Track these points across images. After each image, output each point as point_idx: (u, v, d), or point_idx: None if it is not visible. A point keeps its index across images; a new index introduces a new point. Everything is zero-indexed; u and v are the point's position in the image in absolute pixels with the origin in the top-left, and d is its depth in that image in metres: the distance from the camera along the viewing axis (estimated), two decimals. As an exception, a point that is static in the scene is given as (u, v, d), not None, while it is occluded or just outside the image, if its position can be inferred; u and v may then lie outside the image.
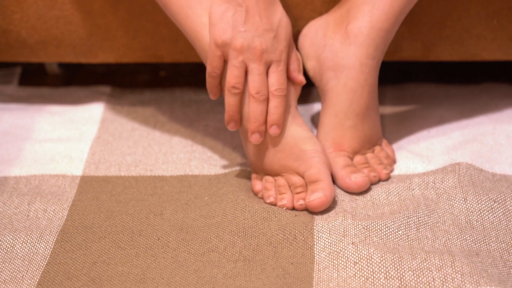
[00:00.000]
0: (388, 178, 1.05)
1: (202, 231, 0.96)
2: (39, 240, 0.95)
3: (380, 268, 0.88)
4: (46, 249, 0.94)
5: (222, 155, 1.11)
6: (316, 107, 1.22)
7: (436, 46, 1.14)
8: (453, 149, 1.09)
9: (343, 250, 0.90)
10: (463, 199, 0.98)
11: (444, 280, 0.86)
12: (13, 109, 1.23)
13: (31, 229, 0.97)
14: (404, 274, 0.87)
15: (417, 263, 0.88)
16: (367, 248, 0.90)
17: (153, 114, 1.22)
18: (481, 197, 0.98)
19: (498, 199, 0.98)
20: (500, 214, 0.97)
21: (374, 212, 0.98)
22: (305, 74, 1.08)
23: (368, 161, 1.05)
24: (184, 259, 0.92)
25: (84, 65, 1.37)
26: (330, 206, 0.99)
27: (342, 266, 0.89)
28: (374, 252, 0.89)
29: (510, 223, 0.96)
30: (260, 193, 1.02)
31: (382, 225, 0.94)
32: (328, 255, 0.91)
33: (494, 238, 0.93)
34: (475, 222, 0.96)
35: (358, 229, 0.93)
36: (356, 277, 0.88)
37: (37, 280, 0.90)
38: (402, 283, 0.86)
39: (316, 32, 1.06)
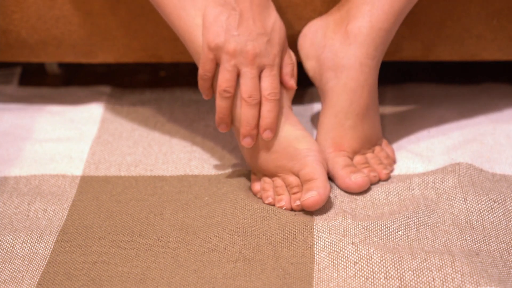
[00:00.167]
0: (388, 178, 1.05)
1: (202, 231, 0.96)
2: (39, 240, 0.95)
3: (380, 268, 0.88)
4: (46, 249, 0.94)
5: (222, 155, 1.11)
6: (316, 107, 1.22)
7: (436, 46, 1.14)
8: (453, 149, 1.09)
9: (343, 250, 0.90)
10: (463, 199, 0.98)
11: (444, 280, 0.86)
12: (13, 109, 1.23)
13: (31, 229, 0.97)
14: (404, 274, 0.87)
15: (417, 263, 0.88)
16: (367, 248, 0.90)
17: (153, 114, 1.22)
18: (481, 197, 0.98)
19: (498, 199, 0.98)
20: (500, 214, 0.97)
21: (374, 212, 0.98)
22: (302, 74, 1.08)
23: (368, 161, 1.05)
24: (184, 259, 0.92)
25: (84, 65, 1.37)
26: (329, 206, 0.99)
27: (342, 266, 0.89)
28: (374, 252, 0.89)
29: (510, 223, 0.96)
30: (259, 193, 1.02)
31: (382, 225, 0.94)
32: (328, 255, 0.91)
33: (494, 238, 0.93)
34: (475, 222, 0.96)
35: (358, 229, 0.93)
36: (356, 277, 0.88)
37: (37, 280, 0.90)
38: (402, 283, 0.86)
39: (316, 32, 1.06)
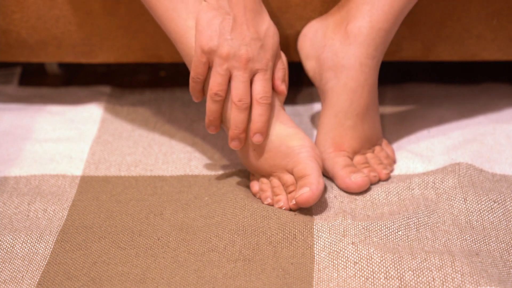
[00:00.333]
0: (388, 178, 1.05)
1: (202, 231, 0.96)
2: (39, 240, 0.95)
3: (380, 268, 0.88)
4: (46, 249, 0.94)
5: (222, 155, 1.11)
6: (316, 107, 1.22)
7: (436, 46, 1.14)
8: (453, 149, 1.09)
9: (343, 250, 0.90)
10: (463, 199, 0.98)
11: (444, 280, 0.86)
12: (13, 109, 1.23)
13: (31, 229, 0.97)
14: (404, 274, 0.87)
15: (417, 263, 0.88)
16: (367, 248, 0.90)
17: (153, 114, 1.22)
18: (481, 197, 0.98)
19: (498, 199, 0.98)
20: (500, 214, 0.97)
21: (373, 212, 0.98)
22: (302, 74, 1.08)
23: (368, 161, 1.05)
24: (184, 259, 0.92)
25: (84, 65, 1.37)
26: (329, 206, 0.99)
27: (342, 266, 0.89)
28: (374, 252, 0.89)
29: (510, 223, 0.96)
30: (258, 194, 1.02)
31: (382, 225, 0.94)
32: (328, 255, 0.91)
33: (494, 238, 0.93)
34: (475, 222, 0.96)
35: (358, 229, 0.93)
36: (356, 277, 0.88)
37: (37, 280, 0.90)
38: (402, 283, 0.86)
39: (316, 32, 1.06)
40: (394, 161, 1.08)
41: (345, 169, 1.02)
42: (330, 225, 0.94)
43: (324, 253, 0.91)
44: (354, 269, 0.88)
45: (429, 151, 1.10)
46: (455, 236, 0.93)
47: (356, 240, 0.92)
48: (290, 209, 0.98)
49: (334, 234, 0.93)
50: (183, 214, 0.99)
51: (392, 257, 0.88)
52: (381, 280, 0.87)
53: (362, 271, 0.88)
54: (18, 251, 0.94)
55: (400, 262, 0.88)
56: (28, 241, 0.95)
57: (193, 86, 1.00)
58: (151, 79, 1.34)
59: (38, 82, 1.34)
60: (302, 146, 0.99)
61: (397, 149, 1.10)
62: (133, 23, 1.14)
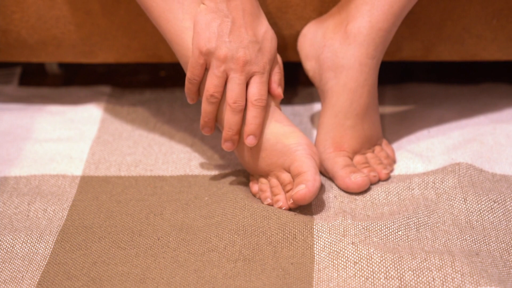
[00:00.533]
0: (388, 178, 1.05)
1: (202, 231, 0.96)
2: (39, 240, 0.95)
3: (380, 268, 0.88)
4: (46, 249, 0.94)
5: (222, 155, 1.11)
6: (316, 107, 1.22)
7: (436, 46, 1.14)
8: (453, 149, 1.09)
9: (343, 250, 0.90)
10: (463, 200, 0.98)
11: (444, 280, 0.86)
12: (13, 109, 1.23)
13: (31, 229, 0.97)
14: (404, 274, 0.87)
15: (417, 263, 0.88)
16: (367, 248, 0.90)
17: (153, 114, 1.22)
18: (481, 197, 0.98)
19: (498, 199, 0.98)
20: (500, 214, 0.97)
21: (373, 212, 0.98)
22: (302, 74, 1.08)
23: (368, 161, 1.05)
24: (184, 259, 0.92)
25: (84, 65, 1.37)
26: (329, 206, 0.99)
27: (342, 266, 0.89)
28: (374, 252, 0.89)
29: (510, 223, 0.96)
30: (257, 195, 1.02)
31: (382, 225, 0.94)
32: (328, 255, 0.91)
33: (494, 238, 0.93)
34: (475, 222, 0.96)
35: (358, 229, 0.93)
36: (356, 277, 0.88)
37: (37, 280, 0.90)
38: (402, 283, 0.86)
39: (315, 32, 1.07)
40: (394, 161, 1.08)
41: (345, 169, 1.02)
42: (330, 225, 0.94)
43: (324, 253, 0.91)
44: (354, 269, 0.88)
45: (429, 151, 1.10)
46: (455, 236, 0.93)
47: (356, 240, 0.92)
48: (290, 209, 0.98)
49: (334, 234, 0.93)
50: (183, 214, 0.99)
51: (392, 257, 0.88)
52: (381, 280, 0.87)
53: (362, 271, 0.88)
54: (18, 251, 0.94)
55: (400, 262, 0.88)
56: (28, 241, 0.95)
57: (189, 87, 1.00)
58: (151, 79, 1.34)
59: (38, 82, 1.34)
60: (298, 144, 0.99)
61: (397, 149, 1.10)
62: (133, 23, 1.14)
